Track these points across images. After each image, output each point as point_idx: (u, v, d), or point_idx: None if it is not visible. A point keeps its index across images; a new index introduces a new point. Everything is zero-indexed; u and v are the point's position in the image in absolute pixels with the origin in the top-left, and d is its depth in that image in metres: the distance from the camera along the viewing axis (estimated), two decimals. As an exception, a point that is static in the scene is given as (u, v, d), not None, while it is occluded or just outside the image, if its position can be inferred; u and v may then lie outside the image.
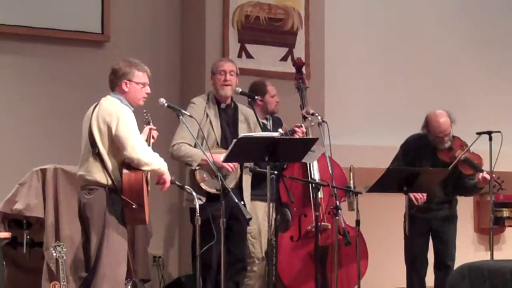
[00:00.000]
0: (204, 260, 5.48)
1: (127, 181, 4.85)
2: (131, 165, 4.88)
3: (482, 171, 6.29)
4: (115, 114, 4.89)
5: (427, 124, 6.37)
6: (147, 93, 5.08)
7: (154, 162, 4.94)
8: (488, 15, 9.05)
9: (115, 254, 4.89)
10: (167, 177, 5.05)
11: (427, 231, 6.48)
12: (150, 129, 5.21)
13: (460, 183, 6.45)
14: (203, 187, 5.71)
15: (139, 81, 5.04)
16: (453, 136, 6.40)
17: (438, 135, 6.33)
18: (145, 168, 4.89)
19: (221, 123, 5.92)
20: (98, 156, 4.89)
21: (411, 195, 6.16)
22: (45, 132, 6.99)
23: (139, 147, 4.88)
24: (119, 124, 4.85)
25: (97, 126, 4.90)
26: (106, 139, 4.90)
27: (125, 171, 4.87)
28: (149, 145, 5.09)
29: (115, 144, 4.89)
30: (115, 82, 5.04)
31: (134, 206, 4.84)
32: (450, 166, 6.21)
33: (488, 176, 6.25)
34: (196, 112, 5.79)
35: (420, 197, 6.25)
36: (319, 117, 6.21)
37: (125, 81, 5.01)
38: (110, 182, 4.88)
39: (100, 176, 4.89)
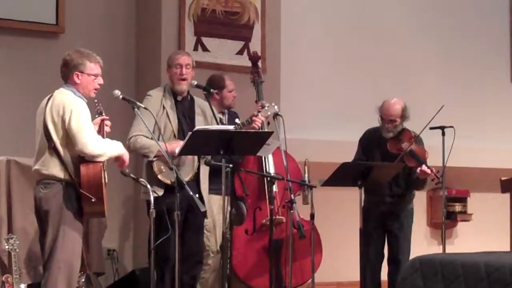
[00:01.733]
0: (161, 254, 5.47)
1: (86, 175, 4.80)
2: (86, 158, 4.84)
3: (423, 163, 6.30)
4: (68, 107, 4.83)
5: (381, 106, 6.43)
6: (99, 84, 5.02)
7: (107, 151, 4.89)
8: (449, 8, 9.10)
9: (70, 249, 4.86)
10: (126, 157, 5.02)
11: (381, 225, 6.49)
12: (102, 120, 5.11)
13: (411, 177, 6.46)
14: (161, 179, 5.68)
15: (91, 73, 4.98)
16: (404, 129, 6.44)
17: (385, 117, 6.37)
18: (99, 159, 4.85)
19: (178, 115, 5.89)
20: (54, 150, 4.84)
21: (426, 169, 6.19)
22: (-2, 124, 6.92)
23: (90, 141, 4.81)
24: (71, 118, 4.80)
25: (51, 119, 4.84)
26: (61, 132, 4.84)
27: (83, 164, 4.82)
28: (102, 136, 5.01)
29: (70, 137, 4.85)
30: (66, 73, 4.98)
31: (93, 200, 4.80)
32: (397, 159, 6.25)
33: (427, 170, 6.25)
34: (152, 104, 5.76)
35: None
36: (275, 106, 6.20)
37: (77, 72, 4.95)
38: (67, 176, 4.83)
39: (56, 170, 4.84)
